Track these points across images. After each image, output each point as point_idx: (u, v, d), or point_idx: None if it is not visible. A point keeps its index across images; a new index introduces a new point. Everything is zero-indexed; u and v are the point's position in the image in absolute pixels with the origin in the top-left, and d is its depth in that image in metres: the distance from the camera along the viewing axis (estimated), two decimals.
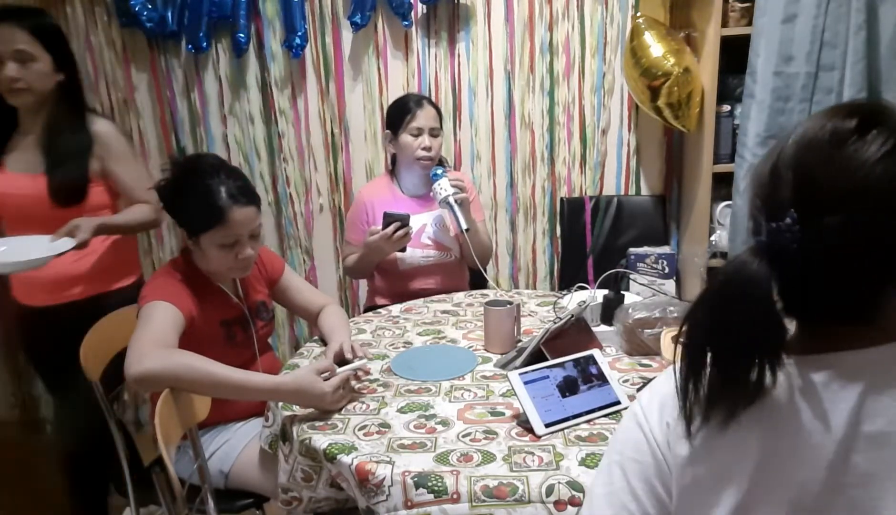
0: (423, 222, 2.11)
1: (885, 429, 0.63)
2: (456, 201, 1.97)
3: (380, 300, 2.16)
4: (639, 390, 1.32)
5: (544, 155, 2.61)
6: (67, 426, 1.95)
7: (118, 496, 1.74)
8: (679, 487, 0.70)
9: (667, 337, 1.42)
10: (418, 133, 2.04)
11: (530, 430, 1.17)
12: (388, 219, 1.94)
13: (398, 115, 2.07)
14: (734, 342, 0.65)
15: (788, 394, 0.66)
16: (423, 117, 2.05)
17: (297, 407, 1.32)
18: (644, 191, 2.62)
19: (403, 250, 2.01)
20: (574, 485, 1.02)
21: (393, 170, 2.21)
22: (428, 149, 2.04)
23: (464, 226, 1.96)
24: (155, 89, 2.66)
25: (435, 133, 2.07)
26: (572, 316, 1.44)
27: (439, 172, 2.01)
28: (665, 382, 0.74)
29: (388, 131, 2.12)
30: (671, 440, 0.71)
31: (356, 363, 1.42)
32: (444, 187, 1.98)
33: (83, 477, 1.95)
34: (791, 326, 0.69)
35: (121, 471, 1.63)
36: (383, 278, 2.17)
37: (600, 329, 1.59)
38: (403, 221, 1.94)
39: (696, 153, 2.32)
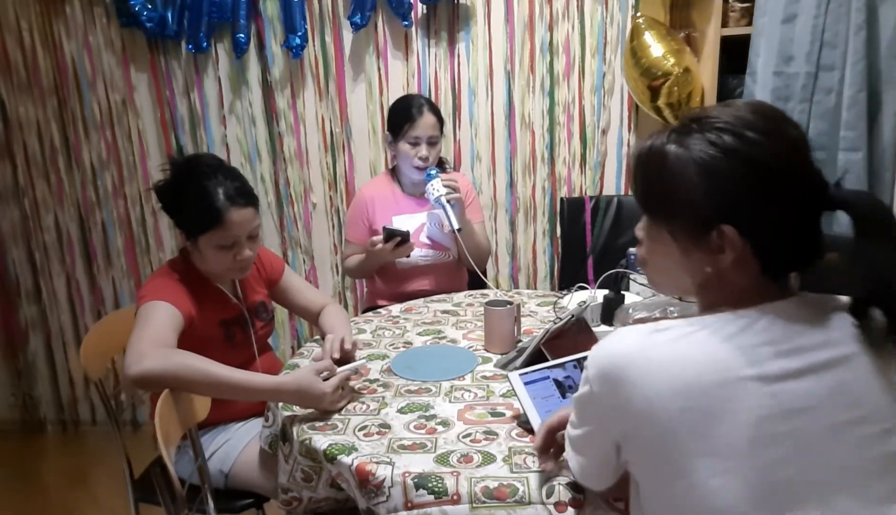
0: (421, 221, 2.12)
1: None
2: (448, 201, 1.98)
3: (380, 302, 2.16)
4: None
5: (544, 155, 2.61)
6: None
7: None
8: None
9: None
10: (416, 142, 2.05)
11: (531, 431, 1.17)
12: (388, 234, 1.95)
13: (399, 121, 2.07)
14: None
15: None
16: (423, 126, 2.05)
17: (297, 407, 1.32)
18: None
19: (408, 256, 2.05)
20: (574, 486, 1.01)
21: (394, 168, 2.21)
22: (425, 158, 2.05)
23: (455, 225, 1.97)
24: (155, 90, 2.66)
25: (433, 141, 2.07)
26: (572, 316, 1.44)
27: (433, 172, 2.03)
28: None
29: (387, 133, 2.12)
30: None
31: (355, 363, 1.42)
32: (436, 188, 1.99)
33: None
34: None
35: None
36: (381, 278, 2.17)
37: (600, 329, 1.58)
38: (404, 237, 1.95)
39: None
